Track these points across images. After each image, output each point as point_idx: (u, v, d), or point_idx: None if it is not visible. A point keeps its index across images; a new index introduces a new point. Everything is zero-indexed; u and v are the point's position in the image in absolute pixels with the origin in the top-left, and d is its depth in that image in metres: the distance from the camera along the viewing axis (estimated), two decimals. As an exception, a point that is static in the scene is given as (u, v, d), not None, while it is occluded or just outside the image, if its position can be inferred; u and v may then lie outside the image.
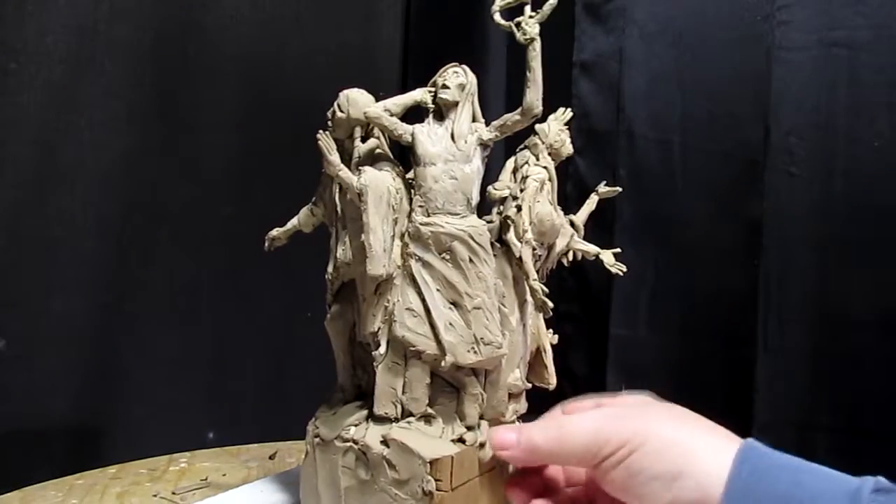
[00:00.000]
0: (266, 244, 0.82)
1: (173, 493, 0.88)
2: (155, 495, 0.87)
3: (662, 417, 0.44)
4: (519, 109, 0.68)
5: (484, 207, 0.76)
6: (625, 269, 0.84)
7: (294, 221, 0.80)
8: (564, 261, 0.84)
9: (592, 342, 1.27)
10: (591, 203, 0.90)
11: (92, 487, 0.90)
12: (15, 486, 0.89)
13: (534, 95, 0.66)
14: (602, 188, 0.91)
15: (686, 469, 0.40)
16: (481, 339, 0.66)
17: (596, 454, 0.44)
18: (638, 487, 0.41)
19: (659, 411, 0.46)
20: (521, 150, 0.78)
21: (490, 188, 0.75)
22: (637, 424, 0.43)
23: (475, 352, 0.65)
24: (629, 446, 0.42)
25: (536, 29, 0.66)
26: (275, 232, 0.81)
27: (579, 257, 0.85)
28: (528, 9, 0.67)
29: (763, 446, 0.42)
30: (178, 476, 0.94)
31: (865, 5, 1.10)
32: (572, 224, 0.85)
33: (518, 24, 0.67)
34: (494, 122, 0.69)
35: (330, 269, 0.75)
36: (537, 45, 0.66)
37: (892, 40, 1.09)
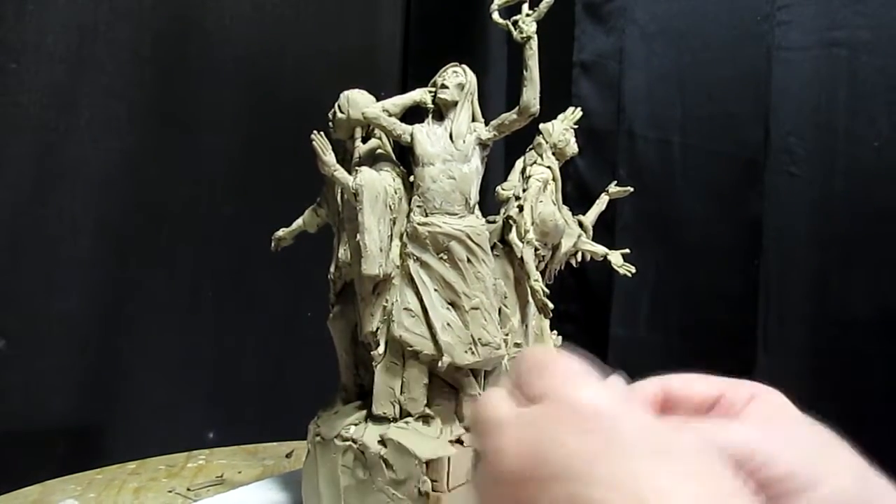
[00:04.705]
0: (273, 244, 0.82)
1: (188, 490, 0.88)
2: (170, 491, 0.88)
3: (837, 460, 0.34)
4: (516, 109, 0.67)
5: (490, 207, 0.76)
6: (633, 270, 0.83)
7: (299, 222, 0.80)
8: (573, 261, 0.84)
9: (592, 342, 1.27)
10: (600, 203, 0.89)
11: (111, 482, 0.91)
12: (14, 486, 0.89)
13: (531, 94, 0.66)
14: (613, 188, 0.90)
15: None
16: (479, 339, 0.65)
17: (747, 477, 0.32)
18: None
19: (836, 448, 0.35)
20: (530, 150, 0.78)
21: (499, 188, 0.75)
22: (808, 463, 0.33)
23: (473, 352, 0.65)
24: (793, 485, 0.32)
25: (533, 27, 0.66)
26: (281, 232, 0.81)
27: (587, 258, 0.84)
28: (525, 7, 0.67)
29: None
30: (194, 473, 0.95)
31: (865, 5, 1.10)
32: (581, 224, 0.84)
33: (515, 23, 0.67)
34: (492, 122, 0.69)
35: (332, 269, 0.75)
36: (534, 43, 0.66)
37: (892, 40, 1.09)
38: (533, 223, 0.73)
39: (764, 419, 0.35)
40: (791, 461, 0.32)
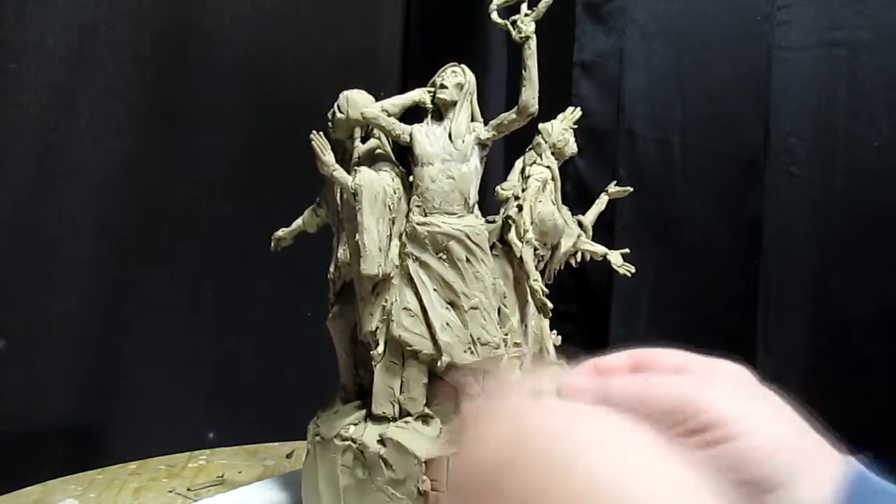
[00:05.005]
0: (272, 244, 0.82)
1: (188, 490, 0.89)
2: (171, 491, 0.88)
3: (772, 414, 0.36)
4: (515, 108, 0.67)
5: (490, 207, 0.76)
6: (633, 270, 0.83)
7: (299, 222, 0.80)
8: (573, 261, 0.84)
9: (592, 342, 1.27)
10: (600, 203, 0.89)
11: (111, 482, 0.91)
12: (15, 486, 0.89)
13: (530, 94, 0.66)
14: (612, 188, 0.90)
15: (782, 483, 0.33)
16: (478, 339, 0.66)
17: (679, 424, 0.35)
18: None
19: (769, 404, 0.37)
20: (530, 150, 0.78)
21: (498, 188, 0.75)
22: (742, 411, 0.35)
23: (472, 352, 0.65)
24: (725, 431, 0.34)
25: (532, 27, 0.66)
26: (280, 232, 0.81)
27: (587, 258, 0.84)
28: (524, 7, 0.67)
29: (876, 479, 0.34)
30: (195, 473, 0.95)
31: (865, 5, 1.10)
32: (580, 224, 0.84)
33: (514, 23, 0.67)
34: (492, 122, 0.69)
35: (332, 268, 0.75)
36: (532, 43, 0.66)
37: (892, 40, 1.09)
38: (532, 223, 0.73)
39: (713, 379, 0.37)
40: (725, 409, 0.34)
